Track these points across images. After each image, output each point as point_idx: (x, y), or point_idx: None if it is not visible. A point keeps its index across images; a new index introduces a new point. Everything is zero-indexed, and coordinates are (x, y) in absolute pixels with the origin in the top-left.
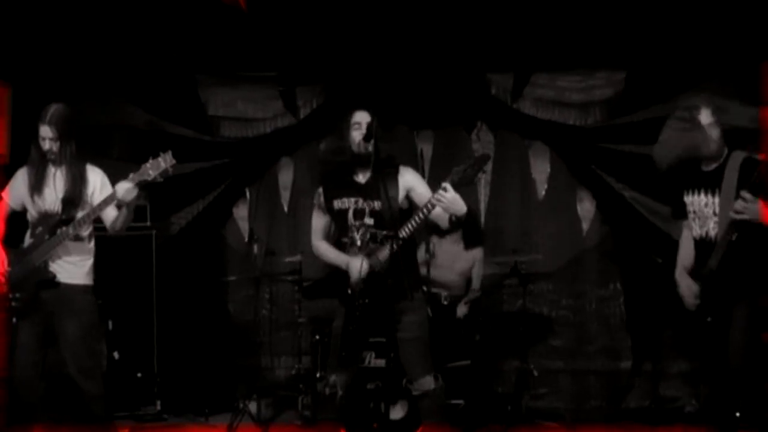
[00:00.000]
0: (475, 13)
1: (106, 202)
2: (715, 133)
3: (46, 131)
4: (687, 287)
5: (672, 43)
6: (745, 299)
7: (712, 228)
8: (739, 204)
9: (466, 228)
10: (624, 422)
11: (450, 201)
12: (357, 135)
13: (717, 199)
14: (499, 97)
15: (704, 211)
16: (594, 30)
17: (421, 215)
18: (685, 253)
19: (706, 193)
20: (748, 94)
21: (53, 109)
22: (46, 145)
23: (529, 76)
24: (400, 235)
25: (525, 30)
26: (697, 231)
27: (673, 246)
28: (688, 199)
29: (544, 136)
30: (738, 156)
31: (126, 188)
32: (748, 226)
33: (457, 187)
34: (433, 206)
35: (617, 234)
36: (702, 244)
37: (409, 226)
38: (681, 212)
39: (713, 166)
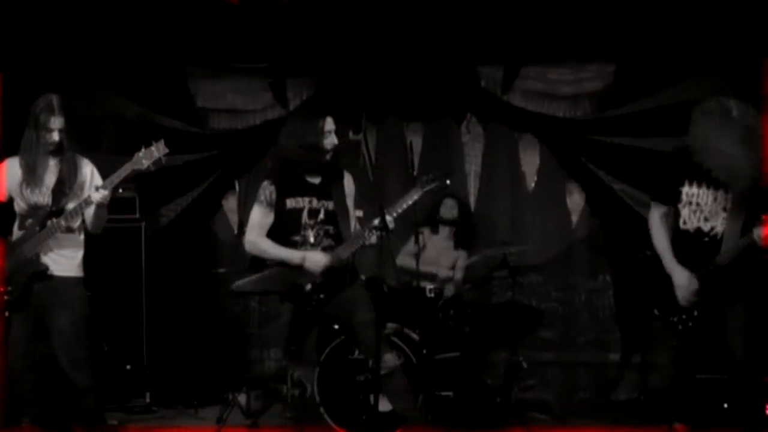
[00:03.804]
0: (465, 5)
1: (100, 194)
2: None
3: (58, 122)
4: (688, 281)
5: (661, 36)
6: (744, 296)
7: (721, 224)
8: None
9: (461, 228)
10: (613, 414)
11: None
12: (328, 143)
13: (731, 195)
14: (489, 90)
15: (713, 206)
16: (584, 22)
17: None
18: (667, 243)
19: (716, 188)
20: (744, 89)
21: (57, 98)
22: (55, 136)
23: (519, 68)
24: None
25: (515, 22)
26: (693, 223)
27: None
28: (692, 190)
29: (534, 128)
30: None
31: (103, 195)
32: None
33: (426, 191)
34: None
35: (607, 226)
36: (700, 237)
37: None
38: (666, 197)
39: None
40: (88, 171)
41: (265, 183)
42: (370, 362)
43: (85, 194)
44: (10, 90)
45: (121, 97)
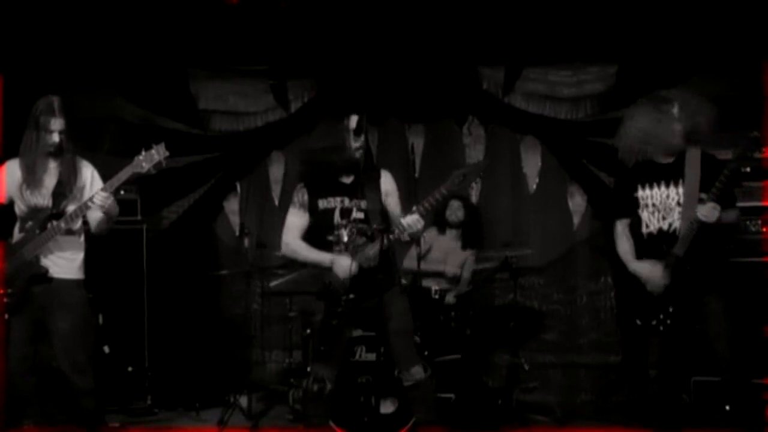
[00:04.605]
0: (467, 6)
1: (101, 197)
2: (679, 128)
3: (59, 123)
4: (650, 269)
5: (662, 38)
6: (718, 291)
7: (677, 219)
8: (703, 209)
9: (468, 228)
10: (614, 416)
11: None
12: (354, 141)
13: (681, 189)
14: (491, 91)
15: (667, 203)
16: (585, 24)
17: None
18: (629, 248)
19: (667, 185)
20: (744, 89)
21: (57, 100)
22: (55, 137)
23: (521, 70)
24: (394, 232)
25: (516, 24)
26: (655, 224)
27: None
28: (645, 192)
29: (536, 130)
30: (696, 151)
31: (104, 196)
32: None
33: (456, 190)
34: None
35: (608, 228)
36: (662, 236)
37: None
38: (626, 210)
39: (671, 159)
40: (89, 173)
41: (298, 186)
42: (396, 371)
43: (86, 197)
44: (11, 92)
45: (122, 99)
